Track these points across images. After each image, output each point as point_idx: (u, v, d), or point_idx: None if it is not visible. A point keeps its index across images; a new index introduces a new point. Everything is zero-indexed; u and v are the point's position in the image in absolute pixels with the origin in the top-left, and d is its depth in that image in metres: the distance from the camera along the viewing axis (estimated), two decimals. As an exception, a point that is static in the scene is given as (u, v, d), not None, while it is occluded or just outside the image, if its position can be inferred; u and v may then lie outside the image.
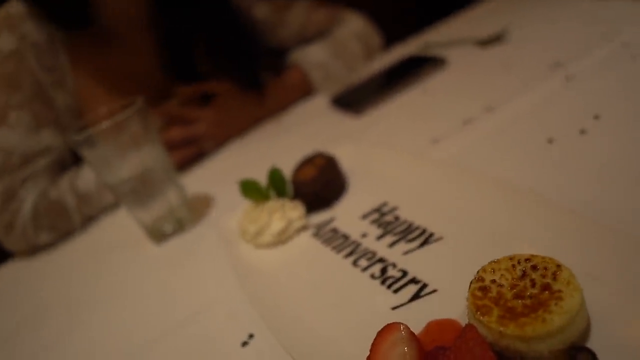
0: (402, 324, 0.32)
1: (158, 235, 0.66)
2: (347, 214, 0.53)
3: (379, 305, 0.39)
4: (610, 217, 0.37)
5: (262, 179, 0.57)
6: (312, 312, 0.41)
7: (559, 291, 0.30)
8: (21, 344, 0.58)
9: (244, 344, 0.42)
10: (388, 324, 0.33)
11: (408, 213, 0.48)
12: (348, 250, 0.47)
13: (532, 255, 0.34)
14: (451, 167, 0.53)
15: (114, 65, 0.88)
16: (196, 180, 0.81)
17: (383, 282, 0.41)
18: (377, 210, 0.51)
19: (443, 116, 0.68)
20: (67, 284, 0.68)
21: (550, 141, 0.52)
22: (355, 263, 0.45)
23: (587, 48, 0.68)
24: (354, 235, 0.49)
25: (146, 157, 0.64)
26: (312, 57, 0.94)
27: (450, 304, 0.37)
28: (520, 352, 0.30)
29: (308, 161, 0.59)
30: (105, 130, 0.59)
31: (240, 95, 0.89)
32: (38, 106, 0.79)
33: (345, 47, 0.97)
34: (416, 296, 0.38)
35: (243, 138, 0.91)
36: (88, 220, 0.80)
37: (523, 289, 0.32)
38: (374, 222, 0.49)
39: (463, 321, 0.35)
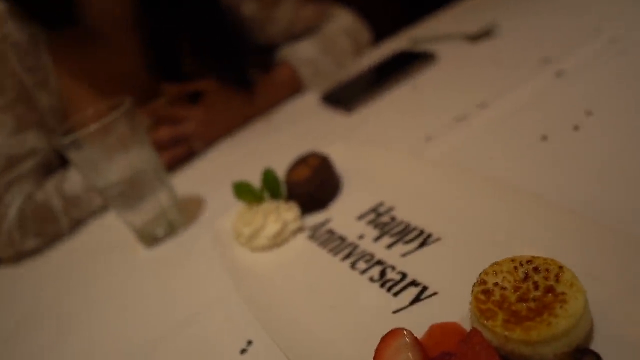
0: (406, 329, 0.32)
1: (149, 238, 0.65)
2: (342, 215, 0.52)
3: (379, 309, 0.39)
4: (610, 216, 0.37)
5: (253, 178, 0.56)
6: (312, 316, 0.41)
7: (563, 293, 0.30)
8: (13, 352, 0.57)
9: (243, 351, 0.41)
10: (392, 330, 0.33)
11: (405, 213, 0.48)
12: (345, 252, 0.46)
13: (534, 257, 0.34)
14: (447, 166, 0.52)
15: (98, 65, 0.86)
16: (185, 181, 0.79)
17: (383, 285, 0.41)
18: (374, 210, 0.50)
19: (435, 113, 0.67)
20: (56, 291, 0.67)
21: (544, 138, 0.52)
22: (353, 265, 0.44)
23: (575, 43, 0.68)
24: (351, 236, 0.48)
25: (135, 159, 0.62)
26: (301, 53, 0.93)
27: (451, 306, 0.37)
28: (525, 356, 0.29)
29: (302, 161, 0.58)
30: (92, 132, 0.58)
31: (229, 93, 0.88)
32: (21, 108, 0.77)
33: (334, 43, 0.96)
34: (417, 299, 0.38)
35: (233, 137, 0.90)
36: (76, 224, 0.79)
37: (526, 291, 0.32)
38: (370, 222, 0.49)
39: (465, 324, 0.34)
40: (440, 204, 0.47)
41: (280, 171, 0.59)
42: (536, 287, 0.32)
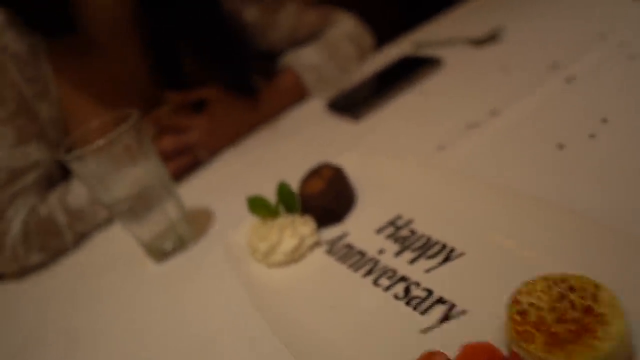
0: (443, 353, 0.31)
1: (158, 253, 0.64)
2: (360, 229, 0.51)
3: (407, 329, 0.38)
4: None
5: (260, 188, 0.55)
6: (337, 335, 0.40)
7: (603, 314, 0.30)
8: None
9: (267, 373, 0.40)
10: (428, 353, 0.32)
11: (424, 226, 0.47)
12: (367, 268, 0.46)
13: (567, 275, 0.33)
14: (464, 176, 0.52)
15: (98, 73, 0.85)
16: (191, 192, 0.78)
17: (408, 303, 0.40)
18: (392, 223, 0.50)
19: (445, 120, 0.67)
20: (62, 307, 0.65)
21: (560, 147, 0.51)
22: (376, 282, 0.44)
23: (583, 47, 0.68)
24: (371, 251, 0.47)
25: (143, 172, 0.61)
26: (304, 59, 0.92)
27: (480, 325, 0.36)
28: (567, 380, 0.29)
29: (315, 173, 0.57)
30: (99, 147, 0.56)
31: (233, 101, 0.87)
32: (22, 120, 0.76)
33: (338, 49, 0.95)
34: (445, 318, 0.38)
35: (237, 146, 0.88)
36: (81, 238, 0.77)
37: (564, 312, 0.31)
38: (389, 236, 0.48)
39: (498, 344, 0.34)
40: (460, 216, 0.46)
41: (289, 180, 0.58)
42: (573, 307, 0.31)
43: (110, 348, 0.53)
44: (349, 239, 0.51)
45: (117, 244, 0.72)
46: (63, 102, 0.82)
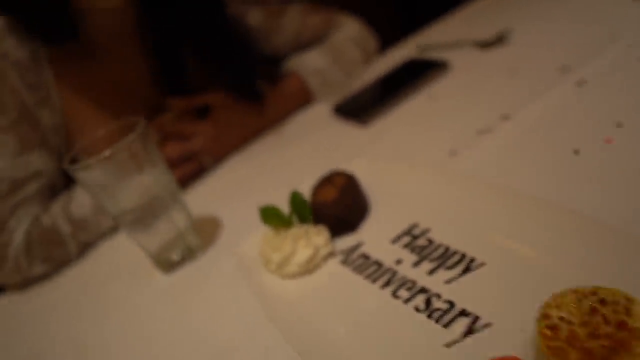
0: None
1: (166, 264, 0.62)
2: (375, 238, 0.50)
3: (430, 343, 0.37)
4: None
5: (267, 194, 0.55)
6: (358, 350, 0.39)
7: (638, 329, 0.29)
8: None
9: (285, 389, 0.39)
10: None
11: (442, 235, 0.47)
12: (384, 279, 0.45)
13: (598, 287, 0.32)
14: (481, 182, 0.51)
15: (100, 79, 0.84)
16: (197, 200, 0.77)
17: (430, 316, 0.39)
18: (408, 233, 0.49)
19: (455, 125, 0.66)
20: (67, 319, 0.64)
21: (576, 152, 0.51)
22: (395, 294, 0.43)
23: (592, 50, 0.67)
24: (388, 261, 0.46)
25: (150, 180, 0.60)
26: (309, 63, 0.91)
27: (504, 338, 0.35)
28: (603, 398, 0.28)
29: (326, 180, 0.56)
30: (105, 157, 0.55)
31: (238, 106, 0.86)
32: (24, 128, 0.74)
33: (342, 53, 0.94)
34: (469, 331, 0.37)
35: (243, 151, 0.87)
36: (84, 248, 0.76)
37: (596, 327, 0.30)
38: (406, 246, 0.47)
39: (525, 358, 0.33)
40: (478, 225, 0.45)
41: (297, 186, 0.57)
42: (606, 322, 0.30)
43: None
44: (364, 249, 0.50)
45: (123, 253, 0.70)
46: (65, 109, 0.80)
